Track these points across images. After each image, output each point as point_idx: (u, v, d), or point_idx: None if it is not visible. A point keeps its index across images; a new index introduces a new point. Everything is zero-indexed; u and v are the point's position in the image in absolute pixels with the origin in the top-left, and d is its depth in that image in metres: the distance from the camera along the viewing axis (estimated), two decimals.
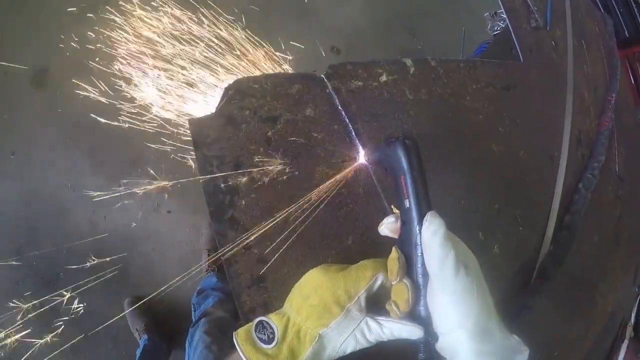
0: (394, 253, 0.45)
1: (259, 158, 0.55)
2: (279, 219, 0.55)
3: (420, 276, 0.44)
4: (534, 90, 0.87)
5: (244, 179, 0.55)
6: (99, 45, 1.40)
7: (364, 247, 0.60)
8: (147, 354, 1.34)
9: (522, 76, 0.85)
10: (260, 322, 0.47)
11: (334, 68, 0.61)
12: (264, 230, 0.54)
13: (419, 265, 0.44)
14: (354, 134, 0.59)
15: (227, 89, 0.56)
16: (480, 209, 0.75)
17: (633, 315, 1.07)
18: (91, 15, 1.44)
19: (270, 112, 0.56)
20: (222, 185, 0.54)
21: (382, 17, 2.08)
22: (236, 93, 0.56)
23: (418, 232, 0.44)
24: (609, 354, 0.99)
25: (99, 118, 1.46)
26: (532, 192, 0.84)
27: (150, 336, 1.39)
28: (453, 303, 0.41)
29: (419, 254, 0.44)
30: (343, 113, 0.59)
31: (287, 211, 0.55)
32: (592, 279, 0.95)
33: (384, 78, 0.64)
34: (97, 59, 1.39)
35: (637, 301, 1.09)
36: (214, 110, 0.55)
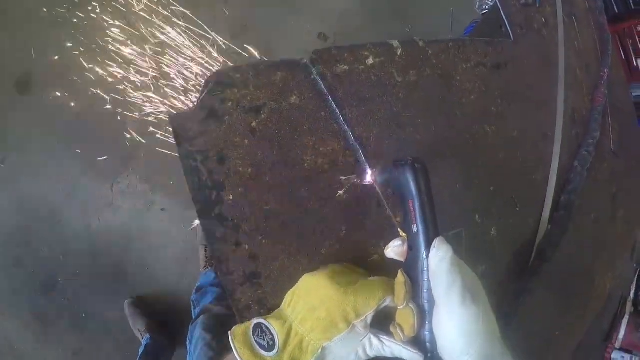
0: (401, 277, 0.45)
1: (244, 150, 0.53)
2: (269, 213, 0.53)
3: (426, 302, 0.44)
4: (525, 68, 0.85)
5: (230, 173, 0.53)
6: (82, 48, 1.37)
7: (358, 237, 0.59)
8: (149, 354, 1.33)
9: (513, 54, 0.82)
10: (259, 325, 0.46)
11: (319, 53, 0.58)
12: (254, 224, 0.53)
13: (425, 291, 0.44)
14: (342, 119, 0.57)
15: (207, 81, 0.53)
16: (476, 191, 0.74)
17: (632, 290, 1.07)
18: (74, 18, 1.41)
19: (254, 102, 0.54)
20: (208, 180, 0.52)
21: (370, 1, 2.04)
22: (217, 84, 0.53)
23: (425, 257, 0.44)
24: (609, 330, 0.99)
25: (87, 120, 1.44)
26: (528, 173, 0.83)
27: (152, 335, 1.38)
28: (458, 330, 0.41)
29: (426, 279, 0.44)
30: (330, 99, 0.57)
31: (277, 204, 0.53)
32: (590, 258, 0.95)
33: (370, 61, 0.62)
34: (81, 60, 1.36)
35: (636, 277, 1.09)
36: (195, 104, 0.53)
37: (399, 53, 0.65)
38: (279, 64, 0.56)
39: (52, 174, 1.47)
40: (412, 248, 0.46)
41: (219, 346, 0.93)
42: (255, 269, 0.53)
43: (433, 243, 0.43)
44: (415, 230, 0.45)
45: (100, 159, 1.44)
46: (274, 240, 0.54)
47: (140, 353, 1.32)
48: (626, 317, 1.00)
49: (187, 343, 1.02)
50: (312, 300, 0.47)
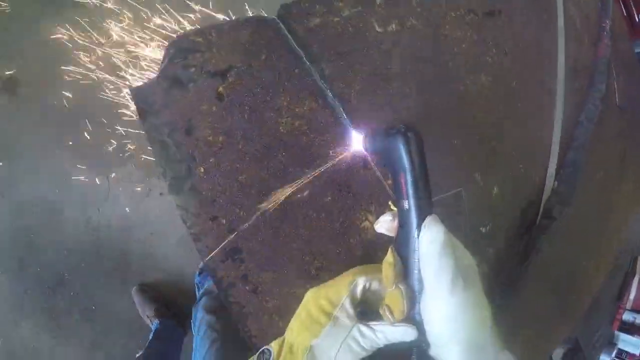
0: (390, 257, 0.42)
1: (213, 118, 0.49)
2: (245, 183, 0.50)
3: (416, 282, 0.41)
4: (521, 16, 0.78)
5: (200, 143, 0.49)
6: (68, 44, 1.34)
7: (346, 202, 0.55)
8: (159, 338, 1.35)
9: (506, 0, 0.75)
10: (263, 351, 0.47)
11: (287, 7, 0.53)
12: (229, 196, 0.49)
13: (416, 271, 0.41)
14: (318, 76, 0.52)
15: (168, 48, 0.49)
16: (475, 148, 0.69)
17: None
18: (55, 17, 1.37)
19: (219, 66, 0.50)
20: (177, 153, 0.49)
21: None
22: (178, 51, 0.49)
23: (416, 237, 0.40)
24: (620, 290, 0.95)
25: (77, 112, 1.41)
26: (530, 126, 0.78)
27: (161, 320, 1.39)
28: (446, 318, 0.39)
29: (416, 259, 0.40)
30: (303, 55, 0.52)
31: (252, 172, 0.50)
32: (600, 216, 0.90)
33: (346, 12, 0.56)
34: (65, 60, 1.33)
35: None
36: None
37: (378, 2, 0.59)
38: (244, 23, 0.52)
39: (45, 173, 1.46)
40: (403, 225, 0.42)
41: (222, 327, 0.92)
42: (236, 244, 0.50)
43: (424, 222, 0.39)
44: (406, 206, 0.41)
45: (93, 152, 1.42)
46: (253, 212, 0.50)
47: (150, 339, 1.33)
48: (637, 276, 0.96)
49: (192, 325, 1.01)
50: (298, 310, 0.48)
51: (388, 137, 0.42)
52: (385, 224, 0.45)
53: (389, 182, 0.56)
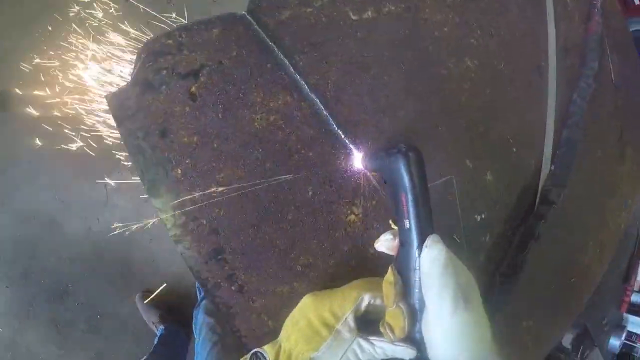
0: (390, 276, 0.42)
1: (186, 119, 0.49)
2: (222, 181, 0.49)
3: (417, 301, 0.41)
4: None
5: (175, 145, 0.48)
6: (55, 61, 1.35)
7: (329, 196, 0.54)
8: (164, 344, 1.35)
9: None
10: (256, 353, 0.47)
11: (257, 1, 0.52)
12: (208, 196, 0.49)
13: (417, 290, 0.41)
14: (291, 69, 0.51)
15: (139, 54, 0.48)
16: (462, 133, 0.67)
17: None
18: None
19: (190, 66, 0.49)
20: (152, 157, 0.48)
21: None
22: (149, 55, 0.48)
23: (417, 256, 0.40)
24: (626, 272, 0.93)
25: (70, 123, 1.42)
26: (522, 109, 0.75)
27: (166, 326, 1.40)
28: (449, 337, 0.39)
29: (417, 279, 0.41)
30: (275, 49, 0.51)
31: (229, 171, 0.49)
32: (600, 198, 0.87)
33: (319, 2, 0.55)
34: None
35: None
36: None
37: None
38: (213, 21, 0.51)
39: (44, 184, 1.47)
40: (404, 244, 0.42)
41: (223, 329, 0.91)
42: (218, 244, 0.49)
43: (425, 242, 0.40)
44: (407, 225, 0.41)
45: (90, 161, 1.43)
46: (233, 210, 0.49)
47: (155, 344, 1.34)
48: None
49: (193, 327, 1.01)
50: (295, 316, 0.48)
51: (389, 156, 0.42)
52: (385, 243, 0.45)
53: (375, 175, 0.55)
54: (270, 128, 0.51)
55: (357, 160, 0.53)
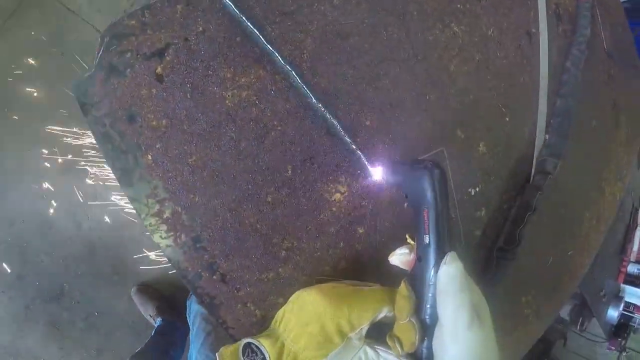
0: (405, 290, 0.43)
1: (154, 101, 0.45)
2: (195, 165, 0.46)
3: (428, 317, 0.42)
4: None
5: (144, 130, 0.45)
6: None
7: (311, 175, 0.51)
8: (162, 334, 1.34)
9: None
10: (249, 345, 0.44)
11: None
12: (180, 182, 0.46)
13: (429, 306, 0.42)
14: (263, 40, 0.48)
15: (102, 37, 0.45)
16: (452, 102, 0.64)
17: None
18: None
19: (155, 46, 0.46)
20: (121, 144, 0.45)
21: None
22: (113, 38, 0.45)
23: (434, 273, 0.41)
24: (623, 243, 0.91)
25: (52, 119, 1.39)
26: (513, 76, 0.72)
27: (163, 318, 1.39)
28: (463, 354, 0.39)
29: (431, 295, 0.41)
30: (245, 20, 0.47)
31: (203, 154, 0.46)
32: (595, 168, 0.84)
33: None
34: None
35: None
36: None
37: None
38: None
39: (30, 183, 1.45)
40: (421, 259, 0.42)
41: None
42: (196, 232, 0.47)
43: (444, 259, 0.40)
44: (427, 241, 0.42)
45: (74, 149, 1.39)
46: (208, 195, 0.47)
47: (152, 334, 1.34)
48: (639, 227, 0.91)
49: (187, 317, 1.00)
50: (304, 316, 0.45)
51: (413, 171, 0.44)
52: (401, 257, 0.45)
53: (358, 149, 0.52)
54: (243, 105, 0.47)
55: (377, 173, 0.52)
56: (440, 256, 0.41)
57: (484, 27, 0.68)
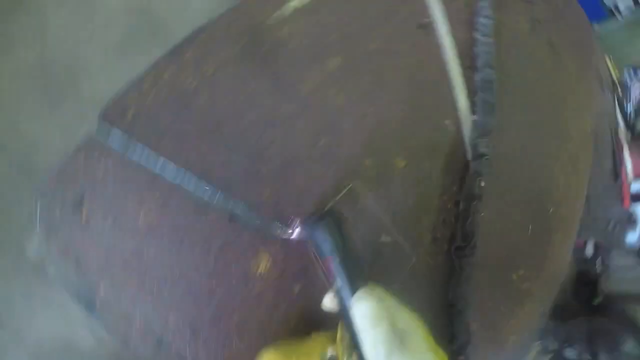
0: (339, 332, 0.46)
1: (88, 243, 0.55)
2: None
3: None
4: None
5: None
6: None
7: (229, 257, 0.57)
8: None
9: None
10: None
11: (104, 115, 0.57)
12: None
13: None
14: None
15: (35, 202, 0.57)
16: (348, 135, 0.63)
17: (620, 118, 0.87)
18: None
19: (73, 196, 0.55)
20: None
21: None
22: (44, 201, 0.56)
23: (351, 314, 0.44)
24: (614, 168, 0.83)
25: None
26: (415, 75, 0.68)
27: None
28: None
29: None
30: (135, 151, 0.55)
31: None
32: (551, 114, 0.78)
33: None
34: None
35: (616, 103, 0.88)
36: None
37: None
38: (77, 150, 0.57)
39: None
40: (340, 302, 0.46)
41: None
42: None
43: (351, 300, 0.43)
44: (339, 284, 0.46)
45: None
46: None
47: None
48: (625, 146, 0.83)
49: None
50: None
51: (309, 227, 0.48)
52: (328, 302, 0.48)
53: None
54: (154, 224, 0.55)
55: (295, 234, 0.54)
56: (352, 297, 0.44)
57: (367, 44, 0.66)
